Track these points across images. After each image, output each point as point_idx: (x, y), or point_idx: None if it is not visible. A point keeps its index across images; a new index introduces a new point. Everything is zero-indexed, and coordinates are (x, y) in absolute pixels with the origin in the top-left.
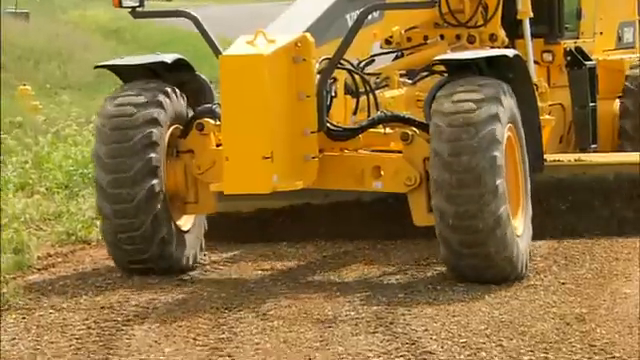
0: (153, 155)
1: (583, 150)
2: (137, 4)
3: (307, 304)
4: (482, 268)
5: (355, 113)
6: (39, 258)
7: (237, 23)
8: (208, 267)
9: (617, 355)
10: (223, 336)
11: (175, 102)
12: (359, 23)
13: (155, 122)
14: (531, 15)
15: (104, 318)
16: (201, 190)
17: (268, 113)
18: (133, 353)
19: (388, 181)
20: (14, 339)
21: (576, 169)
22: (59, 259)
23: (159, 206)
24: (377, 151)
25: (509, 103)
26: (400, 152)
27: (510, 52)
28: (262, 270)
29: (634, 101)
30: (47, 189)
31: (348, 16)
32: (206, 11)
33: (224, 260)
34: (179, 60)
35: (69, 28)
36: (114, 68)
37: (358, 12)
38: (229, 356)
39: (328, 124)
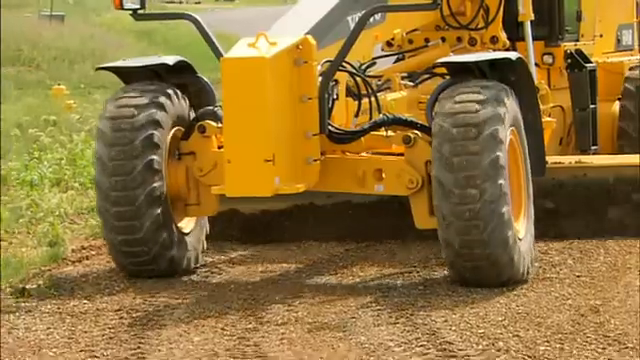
0: (154, 157)
1: (583, 152)
2: (138, 6)
3: (330, 296)
4: (482, 270)
5: (357, 116)
6: (73, 251)
7: (260, 25)
8: (235, 260)
9: (630, 345)
10: (250, 326)
11: (177, 104)
12: (361, 25)
13: (156, 123)
14: (532, 18)
15: (135, 309)
16: (203, 192)
17: (270, 116)
18: (163, 342)
19: (390, 184)
20: (49, 328)
21: (576, 171)
22: (92, 252)
23: (160, 208)
24: (379, 154)
25: (511, 106)
26: (402, 155)
27: (513, 55)
28: (287, 264)
29: (634, 103)
30: (81, 185)
31: (350, 18)
32: (230, 13)
33: (250, 254)
34: (180, 62)
35: (103, 30)
36: (116, 70)
37: (360, 14)
38: (256, 345)
39: (330, 127)
